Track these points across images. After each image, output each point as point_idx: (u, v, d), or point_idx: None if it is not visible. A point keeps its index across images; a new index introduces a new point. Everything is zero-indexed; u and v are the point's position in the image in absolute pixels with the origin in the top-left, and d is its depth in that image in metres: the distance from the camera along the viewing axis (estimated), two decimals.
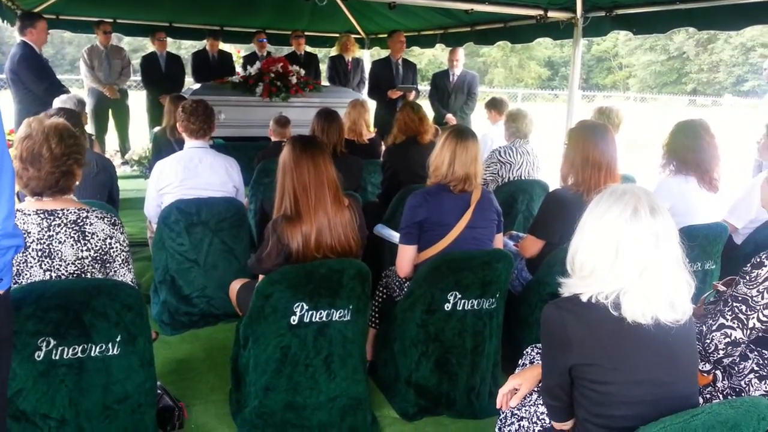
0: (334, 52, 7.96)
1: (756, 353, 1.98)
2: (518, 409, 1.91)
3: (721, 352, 1.92)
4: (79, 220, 2.03)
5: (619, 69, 35.00)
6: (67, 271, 2.01)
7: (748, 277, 1.91)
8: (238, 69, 7.83)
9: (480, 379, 2.72)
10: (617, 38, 31.23)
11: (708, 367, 2.04)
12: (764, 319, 1.88)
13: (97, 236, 2.06)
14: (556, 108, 16.73)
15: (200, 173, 3.33)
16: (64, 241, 1.99)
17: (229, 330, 2.97)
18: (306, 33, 8.35)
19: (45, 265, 1.97)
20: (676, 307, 1.51)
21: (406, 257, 2.70)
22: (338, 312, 2.32)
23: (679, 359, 1.54)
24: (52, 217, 2.00)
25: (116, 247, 2.12)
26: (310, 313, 2.28)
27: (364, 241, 2.53)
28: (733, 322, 1.90)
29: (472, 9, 5.73)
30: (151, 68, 7.68)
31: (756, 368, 1.96)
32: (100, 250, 2.07)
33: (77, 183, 2.13)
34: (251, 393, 2.37)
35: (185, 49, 21.77)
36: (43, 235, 1.97)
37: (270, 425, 2.37)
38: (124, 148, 7.97)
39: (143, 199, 3.53)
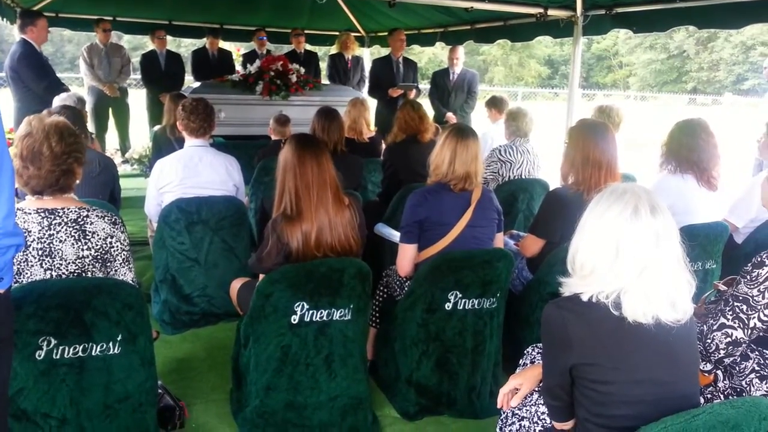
0: (334, 50, 7.95)
1: (757, 353, 1.98)
2: (519, 409, 1.91)
3: (722, 351, 1.92)
4: (79, 219, 2.03)
5: (620, 67, 34.99)
6: (67, 270, 2.01)
7: (748, 277, 1.91)
8: (238, 67, 7.82)
9: (481, 379, 2.72)
10: (617, 37, 31.20)
11: (709, 366, 2.04)
12: (765, 318, 1.88)
13: (98, 235, 2.06)
14: (556, 107, 16.72)
15: (200, 172, 3.33)
16: (65, 240, 1.99)
17: (230, 329, 2.98)
18: (306, 31, 8.33)
19: (45, 264, 1.97)
20: (677, 306, 1.51)
21: (407, 256, 2.70)
22: (339, 311, 2.32)
23: (679, 359, 1.54)
24: (52, 216, 2.00)
25: (117, 246, 2.12)
26: (311, 312, 2.28)
27: (364, 240, 2.53)
28: (734, 322, 1.90)
29: (472, 7, 5.72)
30: (150, 66, 7.67)
31: (757, 368, 1.96)
32: (101, 249, 2.07)
33: (78, 182, 2.13)
34: (252, 392, 2.37)
35: (185, 47, 21.78)
36: (44, 234, 1.97)
37: (271, 424, 2.37)
38: (124, 146, 7.97)
39: (143, 197, 3.53)
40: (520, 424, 1.90)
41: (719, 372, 2.04)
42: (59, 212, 2.01)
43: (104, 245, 2.07)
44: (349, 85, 7.35)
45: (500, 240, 2.87)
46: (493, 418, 2.51)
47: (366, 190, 4.65)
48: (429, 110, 4.71)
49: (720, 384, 2.04)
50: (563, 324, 1.55)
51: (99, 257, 2.07)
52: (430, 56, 28.66)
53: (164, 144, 4.79)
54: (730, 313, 1.91)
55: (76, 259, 2.01)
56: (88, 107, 6.67)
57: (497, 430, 1.99)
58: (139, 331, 2.03)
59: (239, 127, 6.29)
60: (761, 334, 1.93)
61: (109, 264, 2.11)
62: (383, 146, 4.88)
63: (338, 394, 2.42)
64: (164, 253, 3.31)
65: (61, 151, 2.00)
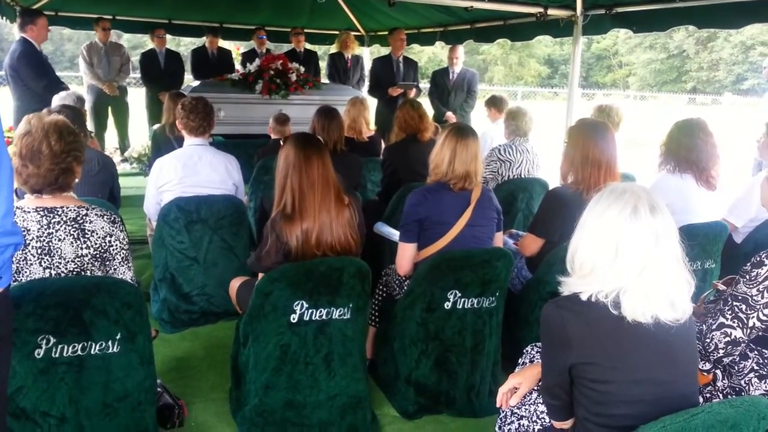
0: (333, 49, 7.95)
1: (756, 352, 1.98)
2: (518, 408, 1.92)
3: (721, 351, 1.92)
4: (78, 218, 2.03)
5: (619, 67, 34.98)
6: (66, 268, 2.00)
7: (748, 276, 1.91)
8: (238, 66, 7.82)
9: (480, 378, 2.72)
10: (617, 36, 31.19)
11: (708, 366, 2.04)
12: (764, 318, 1.88)
13: (97, 234, 2.05)
14: (555, 106, 16.72)
15: (200, 171, 3.32)
16: (64, 238, 1.99)
17: (229, 328, 2.98)
18: (306, 30, 8.32)
19: (45, 262, 1.97)
20: (676, 306, 1.51)
21: (406, 255, 2.70)
22: (338, 310, 2.32)
23: (678, 358, 1.54)
24: (51, 215, 1.99)
25: (116, 245, 2.11)
26: (310, 311, 2.28)
27: (364, 239, 2.53)
28: (733, 322, 1.90)
29: (471, 6, 5.72)
30: (150, 65, 7.66)
31: (756, 367, 1.96)
32: (100, 248, 2.07)
33: (77, 180, 2.13)
34: (251, 391, 2.37)
35: (184, 46, 21.76)
36: (43, 233, 1.97)
37: (270, 423, 2.37)
38: (123, 145, 7.96)
39: (143, 196, 3.52)
40: (519, 423, 1.90)
41: (718, 371, 2.05)
42: (58, 211, 2.01)
43: (103, 244, 2.07)
44: (349, 84, 7.35)
45: (500, 239, 2.87)
46: (492, 417, 2.51)
47: (365, 189, 4.65)
48: (429, 109, 4.71)
49: (719, 383, 2.04)
50: (562, 323, 1.55)
51: (98, 256, 2.07)
52: (429, 55, 28.65)
53: (163, 143, 4.78)
54: (729, 312, 1.91)
55: (75, 258, 2.01)
56: (88, 106, 6.67)
57: (496, 429, 1.99)
58: (138, 329, 2.03)
59: (239, 126, 6.28)
60: (760, 333, 1.93)
61: (108, 263, 2.11)
62: (383, 145, 4.88)
63: (337, 393, 2.42)
64: (163, 251, 3.31)
65: (60, 149, 2.00)
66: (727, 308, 1.93)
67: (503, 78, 32.86)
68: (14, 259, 1.91)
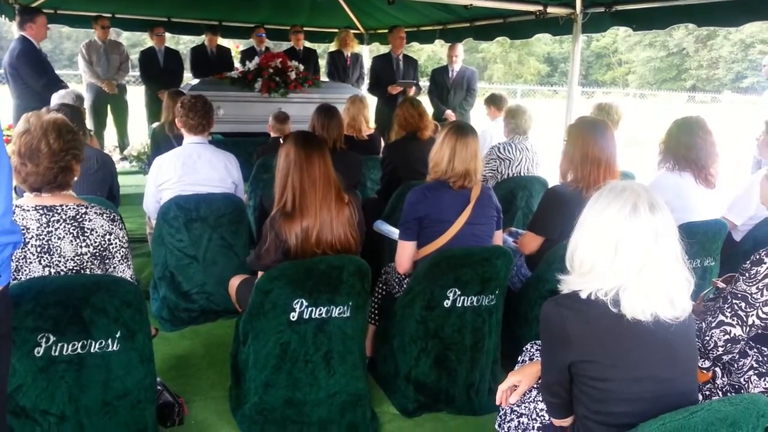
0: (333, 47, 7.94)
1: (755, 350, 1.98)
2: (518, 406, 1.92)
3: (720, 349, 1.92)
4: (78, 216, 2.03)
5: (619, 65, 34.95)
6: (66, 267, 2.00)
7: (747, 275, 1.91)
8: (237, 64, 7.81)
9: (479, 376, 2.72)
10: (617, 34, 31.15)
11: (707, 364, 2.04)
12: (763, 316, 1.88)
13: (96, 232, 2.05)
14: (555, 104, 16.71)
15: (199, 169, 3.32)
16: (63, 236, 1.99)
17: (229, 326, 2.98)
18: (305, 28, 8.31)
19: (44, 261, 1.97)
20: (676, 304, 1.51)
21: (406, 253, 2.71)
22: (338, 308, 2.32)
23: (678, 356, 1.54)
24: (51, 213, 1.99)
25: (115, 243, 2.11)
26: (310, 309, 2.28)
27: (363, 237, 2.53)
28: (733, 320, 1.90)
29: (471, 4, 5.71)
30: (149, 63, 7.65)
31: (755, 365, 1.97)
32: (100, 246, 2.06)
33: (76, 179, 2.13)
34: (251, 389, 2.37)
35: (184, 44, 21.72)
36: (42, 231, 1.97)
37: (270, 421, 2.37)
38: (122, 143, 7.95)
39: (142, 195, 3.52)
40: (518, 421, 1.90)
41: (717, 369, 2.05)
42: (58, 209, 2.01)
43: (103, 242, 2.07)
44: (348, 83, 7.34)
45: (499, 237, 2.87)
46: (491, 414, 2.52)
47: (365, 187, 4.65)
48: (428, 108, 4.71)
49: (718, 381, 2.04)
50: (562, 321, 1.55)
51: (97, 254, 2.06)
52: (429, 53, 28.60)
53: (163, 141, 4.78)
54: (729, 310, 1.92)
55: (74, 256, 2.01)
56: (87, 104, 6.66)
57: (496, 426, 1.99)
58: (137, 328, 2.03)
59: (238, 124, 6.28)
60: (760, 331, 1.93)
61: (107, 261, 2.11)
62: (382, 144, 4.88)
63: (337, 391, 2.42)
64: (163, 250, 3.31)
65: (59, 148, 2.00)
66: (726, 306, 1.93)
67: (503, 76, 32.83)
68: (14, 257, 1.91)
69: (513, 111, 4.32)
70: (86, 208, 2.06)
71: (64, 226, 2.00)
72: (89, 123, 6.79)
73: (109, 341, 1.98)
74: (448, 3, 6.22)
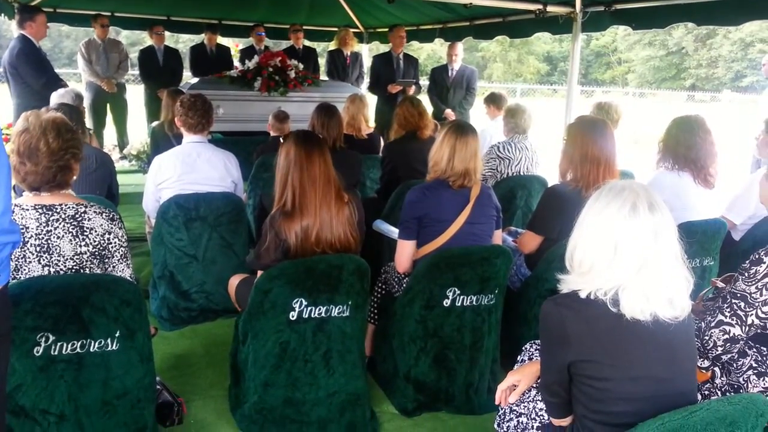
0: (332, 46, 7.93)
1: (754, 350, 1.98)
2: (517, 405, 1.92)
3: (719, 348, 1.92)
4: (77, 215, 2.03)
5: (618, 64, 34.93)
6: (65, 266, 2.00)
7: (746, 274, 1.91)
8: (236, 63, 7.80)
9: (479, 375, 2.72)
10: (616, 33, 31.13)
11: (706, 363, 2.04)
12: (763, 315, 1.88)
13: (96, 231, 2.05)
14: (554, 103, 16.70)
15: (199, 168, 3.32)
16: (63, 236, 1.99)
17: (228, 325, 2.98)
18: (304, 27, 8.31)
19: (43, 260, 1.97)
20: (675, 303, 1.51)
21: (405, 253, 2.70)
22: (337, 308, 2.32)
23: (677, 356, 1.54)
24: (50, 212, 1.99)
25: (115, 242, 2.11)
26: (309, 308, 2.28)
27: (363, 237, 2.53)
28: (732, 319, 1.90)
29: (470, 3, 5.71)
30: (149, 62, 7.64)
31: (754, 365, 1.97)
32: (99, 245, 2.06)
33: (75, 178, 2.13)
34: (250, 388, 2.37)
35: (183, 43, 21.69)
36: (42, 230, 1.97)
37: (269, 420, 2.37)
38: (122, 142, 7.94)
39: (141, 194, 3.52)
40: (517, 420, 1.90)
41: (717, 369, 2.05)
42: (57, 208, 2.00)
43: (102, 241, 2.07)
44: (348, 82, 7.34)
45: (499, 237, 2.87)
46: (491, 414, 2.52)
47: (364, 186, 4.65)
48: (428, 106, 4.71)
49: (717, 381, 2.04)
50: (561, 321, 1.55)
51: (97, 253, 2.06)
52: (428, 52, 28.59)
53: (162, 140, 4.77)
54: (728, 310, 1.92)
55: (74, 256, 2.01)
56: (86, 103, 6.64)
57: (495, 426, 1.99)
58: (137, 327, 2.03)
59: (237, 123, 6.28)
60: (759, 331, 1.93)
61: (107, 260, 2.11)
62: (382, 143, 4.87)
63: (336, 391, 2.42)
64: (162, 249, 3.30)
65: (58, 147, 1.99)
66: (725, 306, 1.93)
67: (502, 75, 32.82)
68: (13, 256, 1.91)
69: (512, 110, 4.32)
70: (85, 207, 2.06)
71: (64, 226, 2.00)
72: (88, 122, 6.78)
73: (109, 340, 1.98)
74: (448, 2, 6.21)
